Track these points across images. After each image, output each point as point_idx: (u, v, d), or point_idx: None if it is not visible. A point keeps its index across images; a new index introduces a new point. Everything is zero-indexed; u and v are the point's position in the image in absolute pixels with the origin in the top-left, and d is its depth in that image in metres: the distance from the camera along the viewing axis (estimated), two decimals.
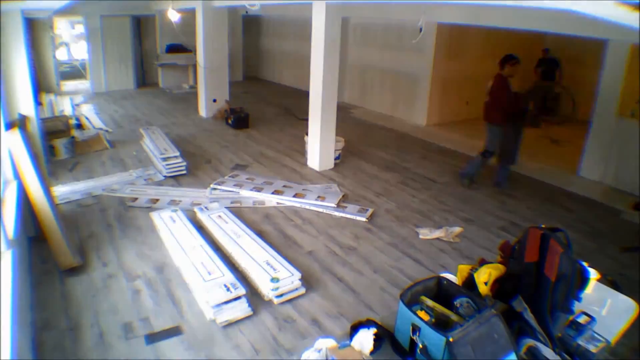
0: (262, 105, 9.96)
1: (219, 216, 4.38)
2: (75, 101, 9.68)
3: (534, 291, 1.76)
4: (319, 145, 5.96)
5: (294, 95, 11.23)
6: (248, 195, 5.09)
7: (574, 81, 8.73)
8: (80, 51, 13.74)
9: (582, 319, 1.75)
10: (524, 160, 6.63)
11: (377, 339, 1.62)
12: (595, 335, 1.71)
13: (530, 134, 8.06)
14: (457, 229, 4.39)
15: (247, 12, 10.28)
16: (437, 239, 4.24)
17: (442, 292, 1.72)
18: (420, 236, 4.29)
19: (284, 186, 5.30)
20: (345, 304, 3.29)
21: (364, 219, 4.60)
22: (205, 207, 4.59)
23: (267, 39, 13.49)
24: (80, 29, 13.20)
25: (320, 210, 4.80)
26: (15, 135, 3.55)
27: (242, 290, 3.18)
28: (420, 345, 1.46)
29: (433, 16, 5.50)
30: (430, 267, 3.79)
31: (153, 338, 2.89)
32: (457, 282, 1.92)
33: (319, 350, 1.49)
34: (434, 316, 1.58)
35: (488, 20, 5.01)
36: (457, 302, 1.63)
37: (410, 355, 1.51)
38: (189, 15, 8.99)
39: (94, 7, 10.05)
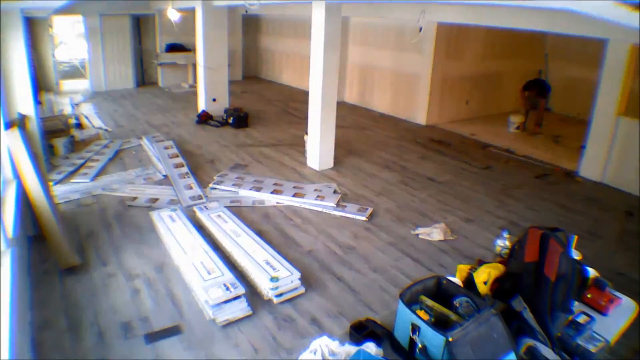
0: (262, 105, 9.96)
1: (219, 215, 4.37)
2: (74, 100, 9.67)
3: (533, 291, 1.76)
4: (318, 145, 5.96)
5: (294, 94, 11.22)
6: (247, 194, 5.09)
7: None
8: (79, 50, 13.73)
9: (582, 319, 1.75)
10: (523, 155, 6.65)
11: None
12: (595, 335, 1.71)
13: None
14: (443, 225, 4.43)
15: (246, 11, 10.26)
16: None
17: (442, 292, 1.72)
18: (420, 236, 4.28)
19: (282, 185, 5.30)
20: (344, 303, 3.29)
21: (363, 219, 4.60)
22: (205, 207, 4.59)
23: (266, 38, 13.48)
24: (79, 28, 13.17)
25: (320, 209, 4.80)
26: (14, 135, 3.55)
27: (241, 290, 3.18)
28: (420, 345, 1.46)
29: (433, 16, 5.50)
30: (429, 267, 3.80)
31: (152, 337, 2.89)
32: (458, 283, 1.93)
33: (314, 352, 1.48)
34: (433, 316, 1.58)
35: (488, 20, 5.01)
36: (456, 302, 1.63)
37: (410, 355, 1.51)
38: (188, 15, 8.99)
39: (94, 6, 10.03)
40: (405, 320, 1.54)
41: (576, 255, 2.09)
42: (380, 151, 6.89)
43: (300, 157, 6.45)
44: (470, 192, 5.44)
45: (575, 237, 2.06)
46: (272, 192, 5.08)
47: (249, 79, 13.44)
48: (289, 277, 3.36)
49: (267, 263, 3.53)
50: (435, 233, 4.27)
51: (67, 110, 8.56)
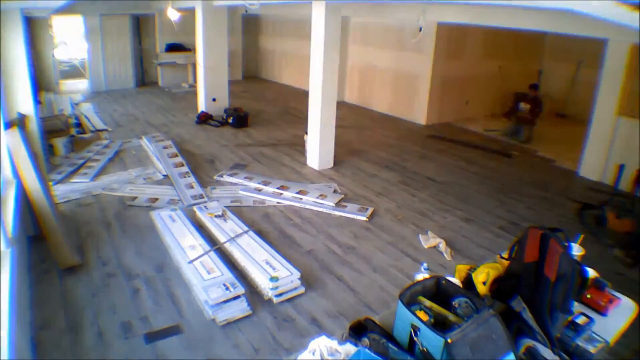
0: (262, 105, 9.96)
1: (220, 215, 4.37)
2: (74, 100, 9.67)
3: (533, 291, 1.76)
4: (318, 145, 5.96)
5: (294, 94, 11.22)
6: (247, 194, 5.09)
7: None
8: (79, 50, 13.73)
9: (581, 320, 1.75)
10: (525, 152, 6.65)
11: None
12: (594, 335, 1.71)
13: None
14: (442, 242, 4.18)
15: (246, 11, 10.26)
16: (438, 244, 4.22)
17: (441, 292, 1.72)
18: (424, 244, 4.20)
19: (283, 185, 5.30)
20: (344, 303, 3.29)
21: (363, 218, 4.60)
22: (205, 207, 4.59)
23: (266, 38, 13.48)
24: (79, 28, 13.17)
25: (320, 209, 4.79)
26: (14, 134, 3.55)
27: (241, 290, 3.18)
28: (420, 346, 1.46)
29: (433, 16, 5.50)
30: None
31: (152, 337, 2.89)
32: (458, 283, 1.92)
33: (313, 352, 1.47)
34: (432, 316, 1.57)
35: (488, 20, 5.01)
36: (455, 302, 1.63)
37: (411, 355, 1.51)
38: (188, 14, 8.98)
39: (94, 6, 10.02)
40: (404, 320, 1.54)
41: (580, 251, 2.09)
42: (380, 151, 6.88)
43: (300, 157, 6.45)
44: (470, 192, 5.44)
45: (581, 235, 2.08)
46: (272, 192, 5.08)
47: (249, 79, 13.44)
48: (289, 277, 3.36)
49: (267, 263, 3.53)
50: (441, 244, 4.14)
51: (67, 110, 8.55)
